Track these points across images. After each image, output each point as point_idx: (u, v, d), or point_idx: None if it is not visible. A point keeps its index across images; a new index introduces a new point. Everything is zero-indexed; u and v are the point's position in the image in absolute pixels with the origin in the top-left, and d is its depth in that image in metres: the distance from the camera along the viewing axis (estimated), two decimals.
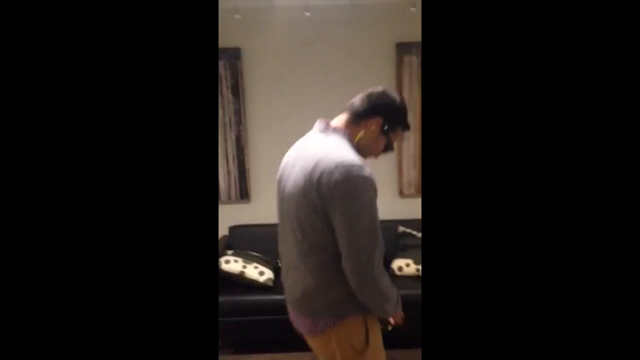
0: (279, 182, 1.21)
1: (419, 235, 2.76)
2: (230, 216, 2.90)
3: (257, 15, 2.76)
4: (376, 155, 1.22)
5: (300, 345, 2.11)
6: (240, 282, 2.42)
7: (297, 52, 2.83)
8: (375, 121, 1.13)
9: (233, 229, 2.87)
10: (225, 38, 2.71)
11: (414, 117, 2.84)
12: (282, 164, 1.23)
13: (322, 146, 1.09)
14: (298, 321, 1.21)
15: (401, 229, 2.79)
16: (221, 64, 2.78)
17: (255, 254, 2.63)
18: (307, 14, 2.67)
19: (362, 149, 1.15)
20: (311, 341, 1.23)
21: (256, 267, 2.49)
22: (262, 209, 2.95)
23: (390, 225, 2.77)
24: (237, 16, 2.65)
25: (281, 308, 2.35)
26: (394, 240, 2.72)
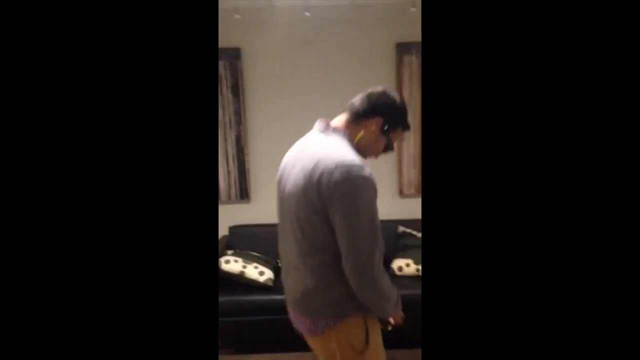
0: (279, 182, 1.21)
1: (419, 235, 2.76)
2: (230, 216, 2.90)
3: (257, 15, 2.76)
4: (376, 155, 1.22)
5: (300, 345, 2.11)
6: (240, 282, 2.42)
7: (297, 52, 2.83)
8: (375, 121, 1.13)
9: (233, 229, 2.87)
10: (225, 38, 2.71)
11: (413, 117, 2.84)
12: (282, 164, 1.23)
13: (322, 146, 1.09)
14: (298, 321, 1.21)
15: (401, 229, 2.79)
16: (221, 64, 2.78)
17: (255, 254, 2.63)
18: (307, 14, 2.67)
19: (362, 149, 1.15)
20: (311, 341, 1.23)
21: (256, 267, 2.49)
22: (262, 209, 2.95)
23: (390, 225, 2.77)
24: (237, 16, 2.65)
25: (281, 308, 2.35)
26: (394, 240, 2.72)
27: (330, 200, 1.01)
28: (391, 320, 1.24)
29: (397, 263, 2.58)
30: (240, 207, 2.97)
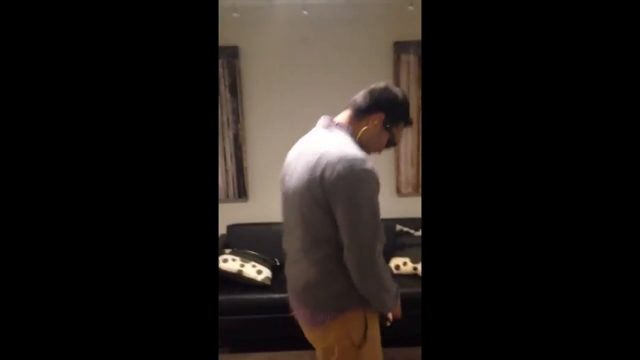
0: (283, 177, 1.22)
1: (417, 233, 2.77)
2: (228, 215, 2.90)
3: (255, 14, 2.76)
4: (379, 150, 1.23)
5: (298, 343, 2.11)
6: (238, 280, 2.42)
7: (295, 50, 2.83)
8: (377, 117, 1.15)
9: (231, 228, 2.87)
10: (223, 36, 2.70)
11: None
12: (286, 160, 1.24)
13: (325, 142, 1.10)
14: (299, 312, 1.23)
15: (398, 227, 2.80)
16: (219, 62, 2.78)
17: (253, 252, 2.63)
18: (305, 12, 2.66)
19: (365, 145, 1.17)
20: (310, 333, 1.24)
21: (254, 266, 2.49)
22: (260, 208, 2.95)
23: (388, 223, 2.77)
24: (235, 14, 2.65)
25: (279, 307, 2.36)
26: (391, 238, 2.72)
27: (333, 194, 1.03)
28: (390, 316, 1.25)
29: (395, 261, 2.58)
30: (238, 206, 2.96)
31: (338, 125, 1.16)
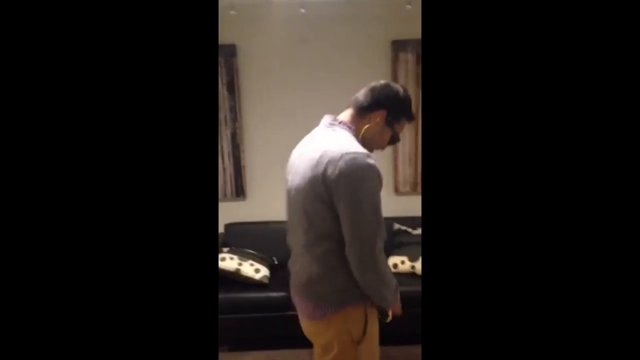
0: (288, 175, 1.25)
1: (414, 232, 2.78)
2: (226, 214, 2.90)
3: (253, 12, 2.75)
4: (382, 147, 1.26)
5: (296, 342, 2.10)
6: (236, 279, 2.42)
7: (293, 49, 2.82)
8: (379, 114, 1.17)
9: (229, 227, 2.87)
10: (221, 35, 2.69)
11: None
12: (290, 159, 1.26)
13: (327, 139, 1.13)
14: (300, 306, 1.25)
15: (396, 226, 2.80)
16: None
17: (251, 251, 2.63)
18: (303, 10, 2.66)
19: (367, 142, 1.19)
20: (310, 327, 1.25)
21: (252, 265, 2.49)
22: (257, 207, 2.95)
23: (386, 222, 2.74)
24: (232, 12, 2.64)
25: (277, 305, 2.37)
26: (389, 237, 2.72)
27: (335, 190, 1.05)
28: (390, 312, 1.26)
29: (393, 260, 2.59)
30: (235, 205, 2.96)
31: (341, 123, 1.18)
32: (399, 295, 1.22)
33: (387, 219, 3.13)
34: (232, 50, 2.77)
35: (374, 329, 1.21)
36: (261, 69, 2.84)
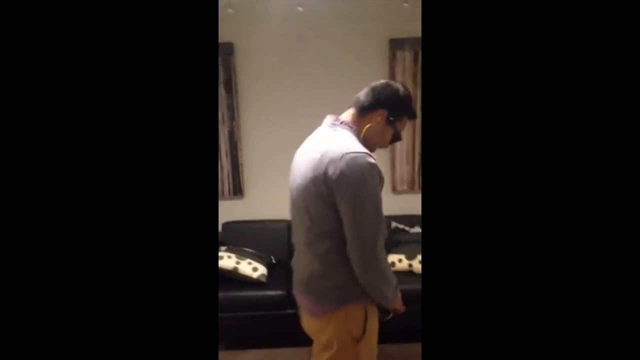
0: (291, 174, 1.26)
1: (412, 230, 2.78)
2: (223, 212, 2.89)
3: (250, 10, 2.75)
4: (384, 146, 1.27)
5: (294, 340, 2.11)
6: (233, 278, 2.42)
7: (291, 47, 2.82)
8: (380, 113, 1.18)
9: (226, 225, 2.87)
10: (219, 33, 2.69)
11: None
12: (294, 158, 1.28)
13: (329, 139, 1.15)
14: (302, 302, 1.27)
15: (394, 224, 2.81)
16: None
17: (248, 250, 2.63)
18: (300, 8, 2.65)
19: (369, 141, 1.20)
20: (310, 323, 1.27)
21: (250, 263, 2.49)
22: (255, 205, 2.95)
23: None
24: (230, 11, 2.63)
25: (275, 304, 2.37)
26: (387, 236, 2.73)
27: (336, 189, 1.07)
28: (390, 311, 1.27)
29: (390, 258, 2.59)
30: (233, 203, 2.96)
31: (342, 123, 1.19)
32: (399, 293, 1.23)
33: (384, 217, 3.14)
34: (229, 48, 2.77)
35: (373, 327, 1.22)
36: (259, 67, 2.83)
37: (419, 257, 2.54)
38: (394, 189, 2.96)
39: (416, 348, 2.30)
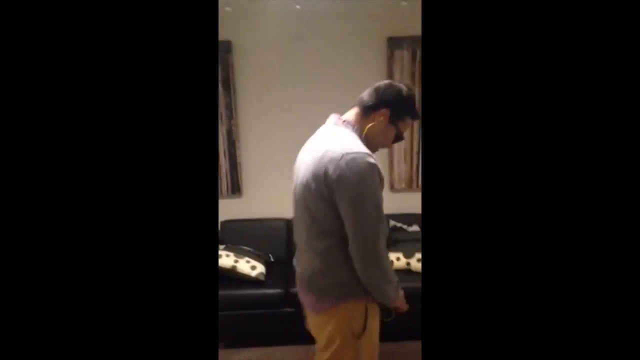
0: (294, 172, 1.27)
1: (410, 229, 2.79)
2: (222, 211, 2.89)
3: (248, 8, 2.74)
4: (387, 146, 1.29)
5: (293, 339, 2.11)
6: (232, 276, 2.42)
7: (289, 45, 2.82)
8: (382, 113, 1.19)
9: (225, 224, 2.86)
10: None
11: None
12: (298, 156, 1.29)
13: (330, 138, 1.16)
14: (304, 298, 1.28)
15: (392, 223, 2.81)
16: None
17: (247, 248, 2.63)
18: (298, 7, 2.65)
19: (371, 141, 1.21)
20: (312, 319, 1.29)
21: (248, 262, 2.49)
22: (254, 204, 2.95)
23: None
24: (228, 9, 2.63)
25: (273, 302, 2.37)
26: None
27: (337, 189, 1.08)
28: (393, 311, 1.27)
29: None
30: (232, 202, 2.95)
31: (345, 122, 1.20)
32: (401, 292, 1.24)
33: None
34: (227, 46, 2.76)
35: (374, 325, 1.23)
36: (257, 65, 2.83)
37: (417, 255, 2.55)
38: (392, 188, 2.96)
39: (416, 346, 2.30)
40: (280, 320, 2.36)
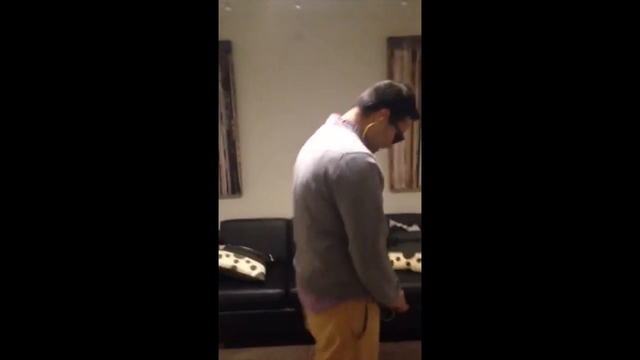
0: (295, 172, 1.27)
1: (410, 229, 2.79)
2: (222, 211, 2.89)
3: (248, 8, 2.74)
4: (387, 146, 1.29)
5: (293, 339, 2.11)
6: (232, 276, 2.42)
7: (289, 45, 2.82)
8: (382, 113, 1.19)
9: (225, 224, 2.86)
10: None
11: None
12: (298, 156, 1.29)
13: (330, 138, 1.16)
14: (304, 298, 1.28)
15: (392, 223, 2.81)
16: None
17: (247, 248, 2.63)
18: (298, 6, 2.65)
19: (371, 141, 1.21)
20: (312, 319, 1.29)
21: (248, 262, 2.49)
22: (254, 204, 2.95)
23: None
24: (228, 9, 2.63)
25: (273, 302, 2.37)
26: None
27: (336, 189, 1.08)
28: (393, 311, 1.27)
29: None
30: (232, 202, 2.95)
31: (345, 122, 1.20)
32: (401, 292, 1.24)
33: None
34: (227, 46, 2.76)
35: (374, 325, 1.23)
36: (257, 65, 2.83)
37: (417, 255, 2.55)
38: (392, 188, 2.97)
39: (416, 346, 2.30)
40: (280, 320, 2.36)
